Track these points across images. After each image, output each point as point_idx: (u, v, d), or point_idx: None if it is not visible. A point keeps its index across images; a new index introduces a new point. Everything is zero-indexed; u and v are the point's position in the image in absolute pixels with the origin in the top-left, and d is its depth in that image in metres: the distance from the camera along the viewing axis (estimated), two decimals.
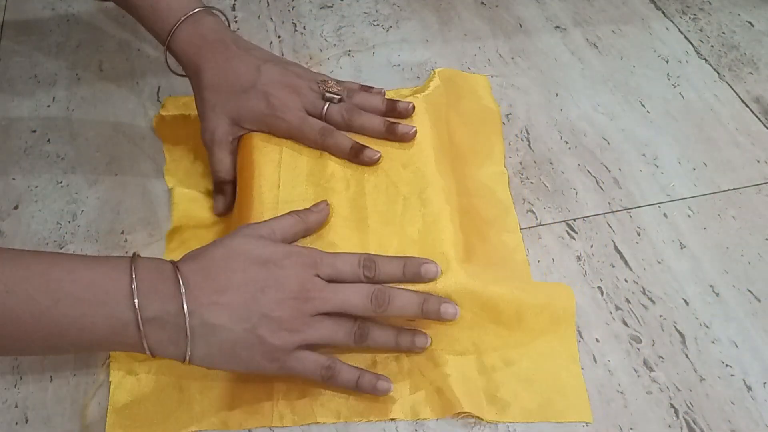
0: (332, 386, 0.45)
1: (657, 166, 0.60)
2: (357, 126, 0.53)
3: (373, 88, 0.58)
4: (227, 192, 0.55)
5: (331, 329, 0.44)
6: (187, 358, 0.41)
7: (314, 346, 0.44)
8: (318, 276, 0.44)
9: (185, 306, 0.40)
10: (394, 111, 0.55)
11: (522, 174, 0.60)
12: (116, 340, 0.40)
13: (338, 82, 0.56)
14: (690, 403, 0.46)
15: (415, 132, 0.53)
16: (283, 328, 0.42)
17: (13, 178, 0.59)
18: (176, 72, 0.57)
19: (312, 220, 0.48)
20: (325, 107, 0.53)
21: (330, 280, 0.44)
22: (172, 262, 0.42)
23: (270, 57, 0.56)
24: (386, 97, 0.56)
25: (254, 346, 0.42)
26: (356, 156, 0.52)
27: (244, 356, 0.42)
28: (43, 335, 0.38)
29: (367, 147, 0.52)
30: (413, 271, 0.46)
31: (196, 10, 0.54)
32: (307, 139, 0.53)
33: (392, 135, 0.53)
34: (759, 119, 0.65)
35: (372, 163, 0.52)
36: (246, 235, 0.44)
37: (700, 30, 0.73)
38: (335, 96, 0.54)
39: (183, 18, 0.53)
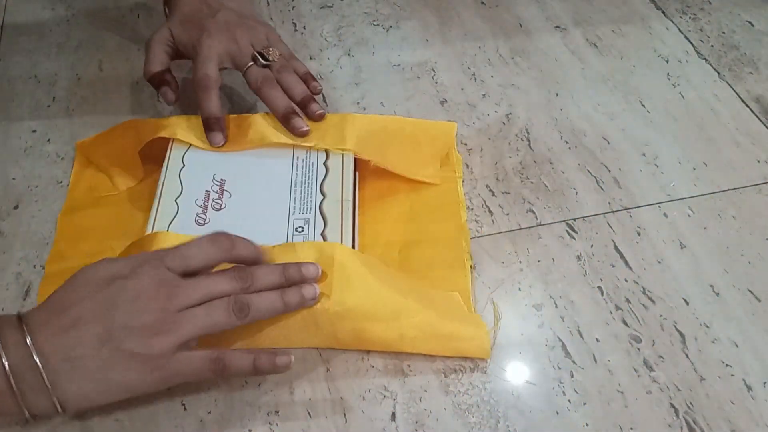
0: (227, 377, 0.44)
1: (657, 166, 0.60)
2: (264, 96, 0.56)
3: (312, 79, 0.59)
4: (168, 80, 0.58)
5: (206, 315, 0.41)
6: (58, 406, 0.38)
7: (191, 343, 0.41)
8: (171, 271, 0.41)
9: (34, 353, 0.37)
10: (308, 104, 0.56)
11: (522, 174, 0.60)
12: None
13: (285, 55, 0.58)
14: (690, 402, 0.46)
15: (323, 114, 0.55)
16: (153, 334, 0.39)
17: (13, 178, 0.59)
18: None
19: (239, 249, 0.44)
20: (248, 65, 0.56)
21: (185, 274, 0.42)
22: (17, 314, 0.39)
23: (238, 6, 0.60)
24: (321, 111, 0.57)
25: (127, 364, 0.39)
26: (287, 120, 0.54)
27: (120, 379, 0.39)
28: None
29: (300, 116, 0.54)
30: (292, 274, 0.44)
31: None
32: (250, 76, 0.56)
33: (288, 121, 0.55)
34: (759, 119, 0.65)
35: (300, 134, 0.54)
36: (98, 263, 0.41)
37: (701, 30, 0.73)
38: (263, 61, 0.56)
39: None
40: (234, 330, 0.45)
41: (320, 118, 0.56)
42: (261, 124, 0.56)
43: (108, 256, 0.43)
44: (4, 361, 0.37)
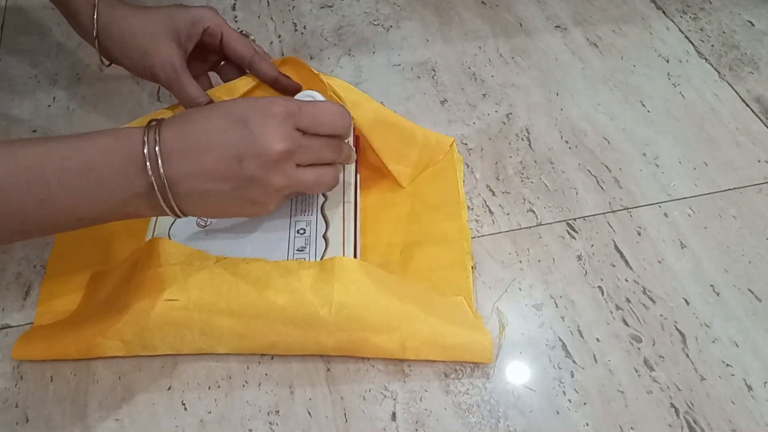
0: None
1: (657, 166, 0.60)
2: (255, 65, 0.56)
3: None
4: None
5: (315, 181, 0.45)
6: (178, 212, 0.43)
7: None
8: (298, 129, 0.44)
9: (163, 175, 0.40)
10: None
11: (522, 173, 0.60)
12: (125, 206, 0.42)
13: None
14: (690, 402, 0.46)
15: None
16: (275, 190, 0.43)
17: None
18: (105, 62, 0.57)
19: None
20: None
21: (312, 133, 0.45)
22: (157, 125, 0.42)
23: None
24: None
25: (244, 206, 0.44)
26: (277, 82, 0.56)
27: (233, 212, 0.45)
28: (43, 218, 0.40)
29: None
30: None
31: None
32: (242, 46, 0.56)
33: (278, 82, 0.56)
34: (759, 119, 0.64)
35: (294, 92, 0.55)
36: (236, 101, 0.44)
37: (701, 29, 0.73)
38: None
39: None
40: (230, 333, 0.45)
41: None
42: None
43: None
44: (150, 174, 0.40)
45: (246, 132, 0.42)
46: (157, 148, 0.40)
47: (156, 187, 0.41)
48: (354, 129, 0.56)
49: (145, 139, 0.41)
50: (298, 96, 0.53)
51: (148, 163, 0.40)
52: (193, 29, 0.54)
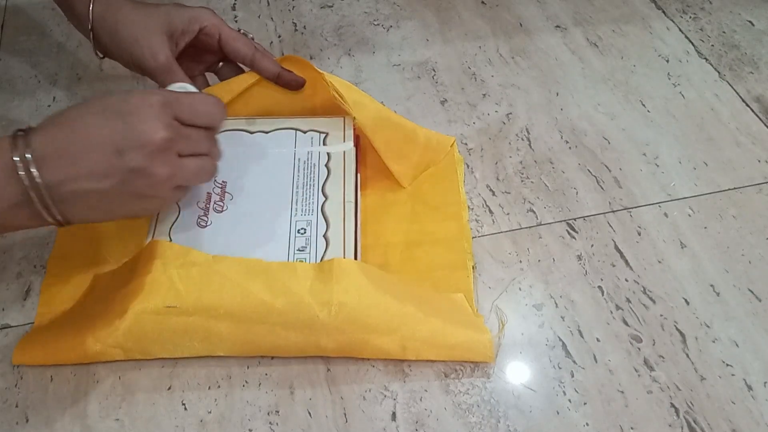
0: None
1: (657, 166, 0.60)
2: (257, 62, 0.56)
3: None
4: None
5: (198, 170, 0.44)
6: (60, 220, 0.41)
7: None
8: (177, 119, 0.42)
9: (39, 182, 0.39)
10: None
11: (522, 173, 0.60)
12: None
13: None
14: (690, 402, 0.46)
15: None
16: (161, 180, 0.42)
17: None
18: (99, 54, 0.57)
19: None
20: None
21: (188, 124, 0.43)
22: (27, 129, 0.40)
23: None
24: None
25: (131, 201, 0.42)
26: (280, 77, 0.56)
27: (122, 211, 0.43)
28: None
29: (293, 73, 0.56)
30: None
31: None
32: (243, 45, 0.55)
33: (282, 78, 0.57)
34: (759, 119, 0.64)
35: (297, 87, 0.56)
36: (112, 96, 0.42)
37: (701, 29, 0.73)
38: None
39: None
40: (229, 338, 0.45)
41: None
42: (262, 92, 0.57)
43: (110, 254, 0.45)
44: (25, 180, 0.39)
45: (124, 124, 0.40)
46: (28, 154, 0.38)
47: (33, 195, 0.39)
48: (355, 128, 0.56)
49: (14, 144, 0.39)
50: (170, 87, 0.51)
51: (20, 171, 0.38)
52: (189, 26, 0.54)
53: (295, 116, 0.57)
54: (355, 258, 0.49)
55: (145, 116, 0.40)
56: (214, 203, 0.51)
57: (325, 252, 0.48)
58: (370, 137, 0.54)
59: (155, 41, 0.52)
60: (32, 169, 0.38)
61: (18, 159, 0.38)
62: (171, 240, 0.49)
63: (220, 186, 0.52)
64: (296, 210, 0.51)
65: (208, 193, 0.52)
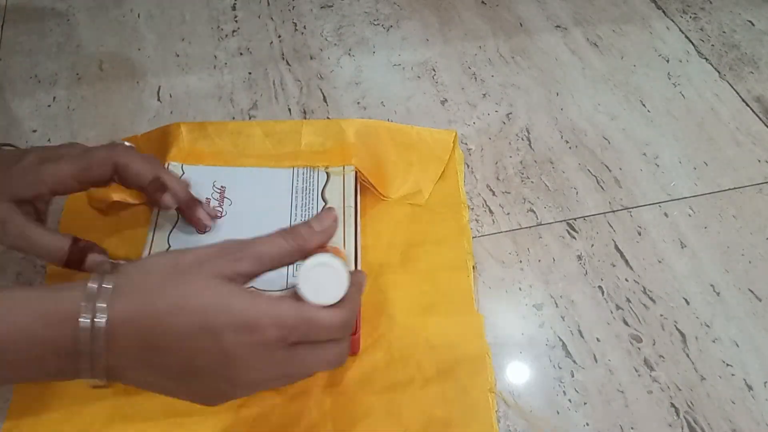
0: None
1: (657, 166, 0.60)
2: (122, 164, 0.44)
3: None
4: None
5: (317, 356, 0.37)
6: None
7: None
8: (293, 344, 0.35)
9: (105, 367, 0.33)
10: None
11: (522, 173, 0.60)
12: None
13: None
14: (691, 402, 0.46)
15: (171, 205, 0.47)
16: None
17: None
18: None
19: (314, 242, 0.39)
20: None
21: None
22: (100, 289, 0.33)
23: None
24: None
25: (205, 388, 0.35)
26: (155, 192, 0.45)
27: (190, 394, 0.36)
28: None
29: (167, 190, 0.46)
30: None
31: None
32: (95, 161, 0.44)
33: (153, 194, 0.46)
34: (760, 118, 0.64)
35: (167, 207, 0.47)
36: (220, 285, 0.35)
37: (701, 29, 0.73)
38: None
39: None
40: None
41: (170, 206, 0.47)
42: (259, 141, 0.56)
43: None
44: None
45: (217, 350, 0.33)
46: (100, 324, 0.32)
47: (91, 373, 0.33)
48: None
49: (83, 306, 0.33)
50: (312, 261, 0.37)
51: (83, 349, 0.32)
52: (37, 190, 0.44)
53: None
54: (355, 263, 0.48)
55: (246, 354, 0.34)
56: (213, 209, 0.51)
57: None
58: (370, 179, 0.55)
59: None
60: (100, 349, 0.33)
61: (82, 332, 0.32)
62: (170, 245, 0.48)
63: (219, 191, 0.52)
64: (295, 215, 0.51)
65: (207, 198, 0.51)
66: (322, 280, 0.37)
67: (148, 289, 0.34)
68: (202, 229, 0.49)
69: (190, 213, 0.48)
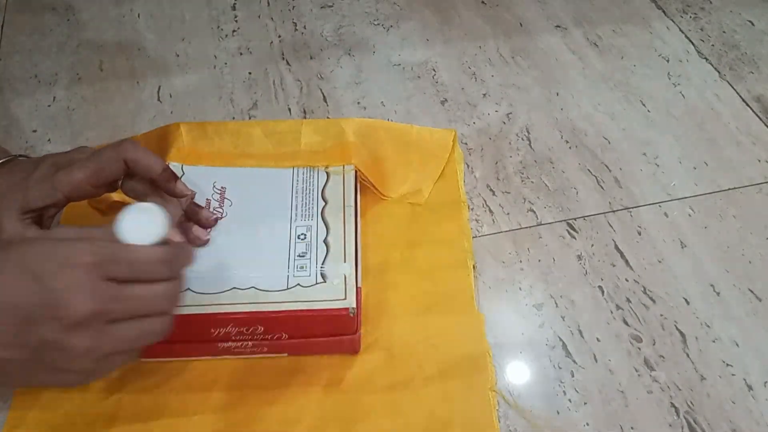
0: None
1: (658, 166, 0.60)
2: (131, 159, 0.44)
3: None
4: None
5: (138, 335, 0.37)
6: None
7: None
8: (110, 279, 0.35)
9: None
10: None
11: (522, 173, 0.60)
12: None
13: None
14: (691, 402, 0.46)
15: (186, 192, 0.47)
16: (81, 353, 0.35)
17: None
18: None
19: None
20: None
21: (125, 280, 0.36)
22: None
23: None
24: None
25: (53, 374, 0.36)
26: (167, 182, 0.45)
27: (47, 381, 0.36)
28: None
29: (178, 178, 0.46)
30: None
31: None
32: (105, 161, 0.44)
33: (166, 184, 0.46)
34: (760, 118, 0.64)
35: (182, 195, 0.46)
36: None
37: (701, 29, 0.73)
38: None
39: None
40: None
41: (185, 194, 0.47)
42: (260, 142, 0.56)
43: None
44: None
45: (39, 288, 0.34)
46: None
47: None
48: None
49: None
50: (126, 210, 0.38)
51: None
52: (51, 198, 0.43)
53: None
54: (356, 263, 0.48)
55: (66, 282, 0.34)
56: (213, 209, 0.51)
57: (325, 257, 0.48)
58: (370, 178, 0.55)
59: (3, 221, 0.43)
60: None
61: None
62: None
63: (219, 192, 0.52)
64: (296, 215, 0.51)
65: (207, 199, 0.51)
66: (140, 223, 0.37)
67: None
68: (197, 245, 0.48)
69: (190, 215, 0.48)
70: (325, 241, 0.49)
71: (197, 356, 0.48)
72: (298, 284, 0.46)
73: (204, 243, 0.48)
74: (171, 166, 0.52)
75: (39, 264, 0.34)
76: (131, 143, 0.45)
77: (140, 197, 0.46)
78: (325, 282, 0.46)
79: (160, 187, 0.46)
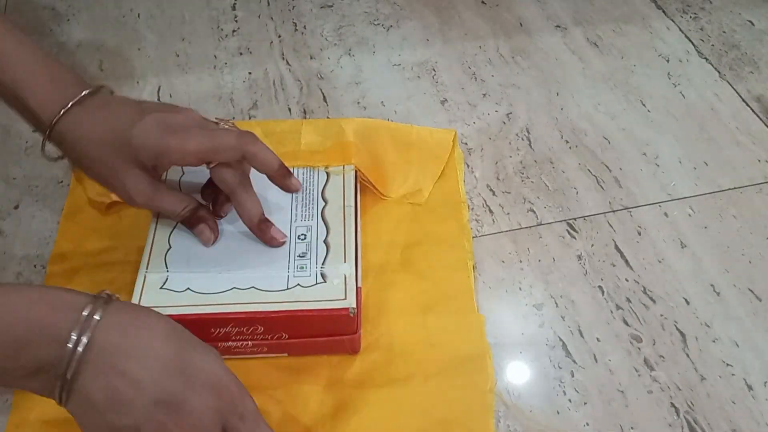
0: None
1: (658, 166, 0.60)
2: (251, 152, 0.45)
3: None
4: (205, 217, 0.48)
5: None
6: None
7: None
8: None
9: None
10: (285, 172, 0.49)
11: (522, 173, 0.60)
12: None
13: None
14: (691, 402, 0.46)
15: (298, 187, 0.50)
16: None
17: (14, 178, 0.59)
18: (51, 158, 0.47)
19: None
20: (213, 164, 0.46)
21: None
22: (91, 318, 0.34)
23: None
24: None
25: None
26: (283, 178, 0.48)
27: None
28: None
29: (292, 174, 0.49)
30: None
31: (82, 94, 0.45)
32: (224, 146, 0.44)
33: (282, 180, 0.48)
34: (760, 118, 0.64)
35: (296, 190, 0.49)
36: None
37: (701, 29, 0.73)
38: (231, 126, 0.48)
39: (63, 111, 0.44)
40: None
41: (297, 188, 0.50)
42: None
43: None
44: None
45: (174, 408, 0.35)
46: (85, 337, 0.34)
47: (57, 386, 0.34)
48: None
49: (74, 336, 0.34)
50: None
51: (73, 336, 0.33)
52: (158, 161, 0.45)
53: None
54: (356, 263, 0.48)
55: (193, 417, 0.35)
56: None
57: (325, 257, 0.48)
58: (369, 178, 0.55)
59: (129, 182, 0.45)
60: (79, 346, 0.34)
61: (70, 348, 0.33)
62: (170, 247, 0.48)
63: None
64: (296, 215, 0.51)
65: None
66: None
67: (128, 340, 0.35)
68: (277, 244, 0.48)
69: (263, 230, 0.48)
70: (326, 241, 0.49)
71: None
72: (298, 284, 0.46)
73: (280, 244, 0.48)
74: (172, 167, 0.52)
75: (177, 384, 0.35)
76: (253, 136, 0.46)
77: (228, 187, 0.46)
78: (325, 282, 0.46)
79: (276, 182, 0.48)
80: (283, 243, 0.49)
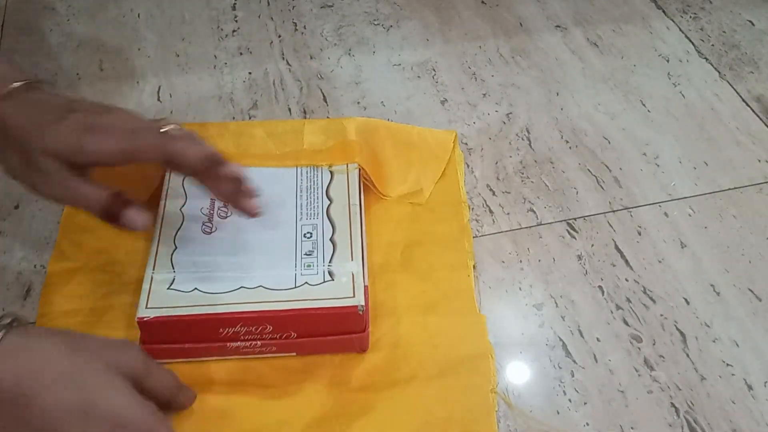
0: None
1: (658, 166, 0.60)
2: (170, 152, 0.43)
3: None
4: (128, 202, 0.43)
5: None
6: None
7: None
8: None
9: None
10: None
11: (522, 173, 0.60)
12: None
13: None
14: (691, 402, 0.46)
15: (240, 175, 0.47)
16: None
17: None
18: None
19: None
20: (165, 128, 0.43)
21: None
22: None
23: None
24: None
25: None
26: (209, 171, 0.44)
27: None
28: None
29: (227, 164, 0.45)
30: None
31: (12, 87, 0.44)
32: (144, 147, 0.42)
33: (210, 180, 0.46)
34: (760, 118, 0.64)
35: (237, 176, 0.46)
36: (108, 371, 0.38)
37: (701, 29, 0.73)
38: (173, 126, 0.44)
39: None
40: None
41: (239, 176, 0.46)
42: (262, 142, 0.55)
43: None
44: None
45: (84, 394, 0.36)
46: None
47: None
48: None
49: None
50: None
51: None
52: (76, 161, 0.42)
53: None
54: (362, 261, 0.48)
55: (107, 389, 0.37)
56: (218, 209, 0.51)
57: (332, 256, 0.48)
58: (371, 176, 0.55)
59: (36, 175, 0.42)
60: None
61: None
62: (176, 247, 0.48)
63: None
64: (301, 214, 0.51)
65: (211, 199, 0.51)
66: None
67: (32, 363, 0.36)
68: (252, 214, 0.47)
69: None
70: (332, 240, 0.49)
71: (206, 357, 0.47)
72: (306, 282, 0.46)
73: (257, 214, 0.47)
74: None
75: (82, 365, 0.37)
76: (182, 135, 0.43)
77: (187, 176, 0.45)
78: (333, 280, 0.46)
79: (206, 183, 0.45)
80: (257, 214, 0.47)
